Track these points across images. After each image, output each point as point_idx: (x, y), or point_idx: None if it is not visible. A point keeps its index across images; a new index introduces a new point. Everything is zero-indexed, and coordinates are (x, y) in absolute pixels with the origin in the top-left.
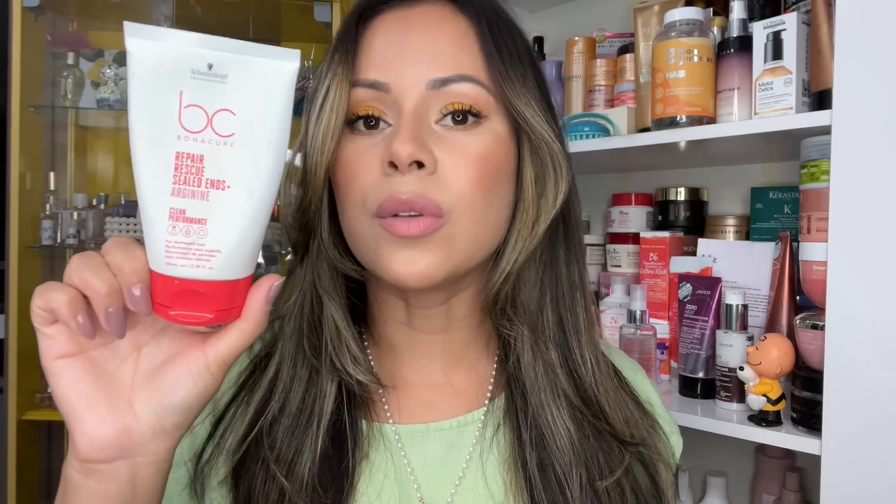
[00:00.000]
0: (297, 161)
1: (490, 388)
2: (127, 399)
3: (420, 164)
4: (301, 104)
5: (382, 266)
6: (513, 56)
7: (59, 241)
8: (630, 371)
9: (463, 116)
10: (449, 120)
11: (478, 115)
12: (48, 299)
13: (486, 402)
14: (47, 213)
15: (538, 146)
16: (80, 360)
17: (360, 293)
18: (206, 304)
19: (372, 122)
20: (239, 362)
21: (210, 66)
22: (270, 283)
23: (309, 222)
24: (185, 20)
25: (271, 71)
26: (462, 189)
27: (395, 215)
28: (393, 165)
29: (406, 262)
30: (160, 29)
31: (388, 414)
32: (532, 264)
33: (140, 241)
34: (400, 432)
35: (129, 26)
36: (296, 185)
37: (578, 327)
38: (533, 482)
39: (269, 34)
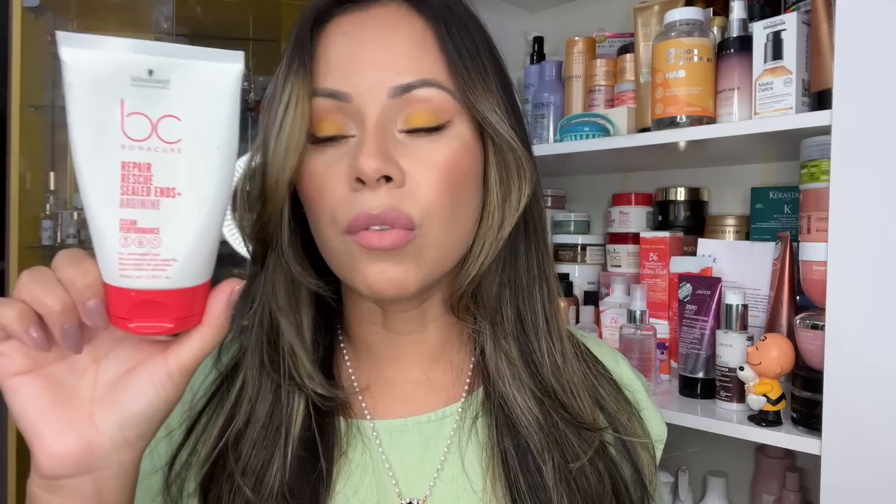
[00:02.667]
0: (246, 168)
1: (468, 381)
2: (87, 413)
3: (388, 178)
4: None
5: (357, 279)
6: (473, 56)
7: (59, 241)
8: (612, 361)
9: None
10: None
11: (440, 124)
12: None
13: (464, 394)
14: (47, 213)
15: (501, 148)
16: (37, 376)
17: (336, 296)
18: (166, 313)
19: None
20: (210, 373)
21: (150, 72)
22: (231, 288)
23: (267, 236)
24: (185, 20)
25: (215, 74)
26: (431, 200)
27: (367, 228)
28: (360, 181)
29: (379, 274)
30: (95, 37)
31: (366, 410)
32: (493, 263)
33: (91, 254)
34: (378, 428)
35: (62, 36)
36: (254, 196)
37: (537, 320)
38: (510, 467)
39: (268, 34)
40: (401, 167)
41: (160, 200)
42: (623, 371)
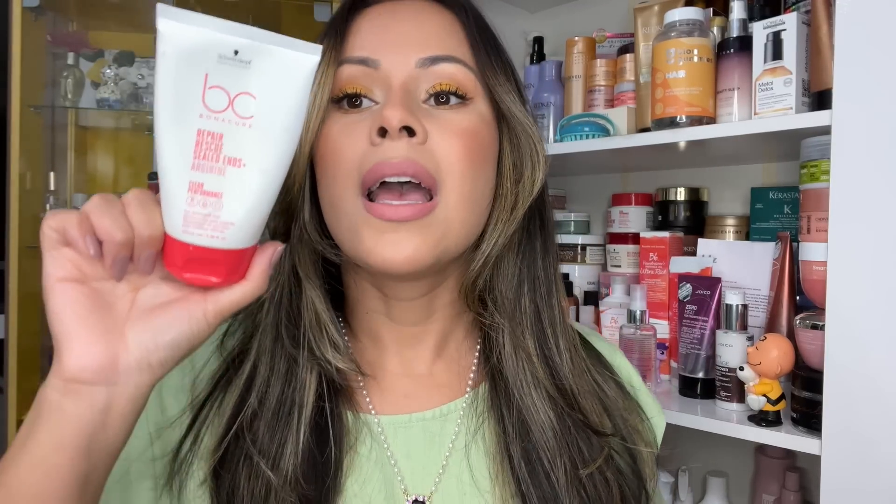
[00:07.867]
0: None
1: (471, 378)
2: (120, 328)
3: (411, 132)
4: None
5: (366, 250)
6: (493, 47)
7: None
8: (609, 354)
9: (447, 98)
10: (434, 100)
11: (463, 97)
12: (60, 219)
13: (468, 391)
14: (47, 213)
15: (517, 133)
16: (81, 285)
17: (338, 287)
18: (216, 269)
19: (357, 100)
20: (210, 359)
21: (236, 52)
22: (274, 248)
23: (291, 205)
24: None
25: (293, 61)
26: (451, 161)
27: (384, 183)
28: (382, 133)
29: (392, 246)
30: (192, 13)
31: (370, 405)
32: (510, 254)
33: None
34: (382, 423)
35: (161, 8)
36: None
37: (554, 318)
38: (519, 473)
39: None
40: (423, 125)
41: (227, 168)
42: (621, 363)
